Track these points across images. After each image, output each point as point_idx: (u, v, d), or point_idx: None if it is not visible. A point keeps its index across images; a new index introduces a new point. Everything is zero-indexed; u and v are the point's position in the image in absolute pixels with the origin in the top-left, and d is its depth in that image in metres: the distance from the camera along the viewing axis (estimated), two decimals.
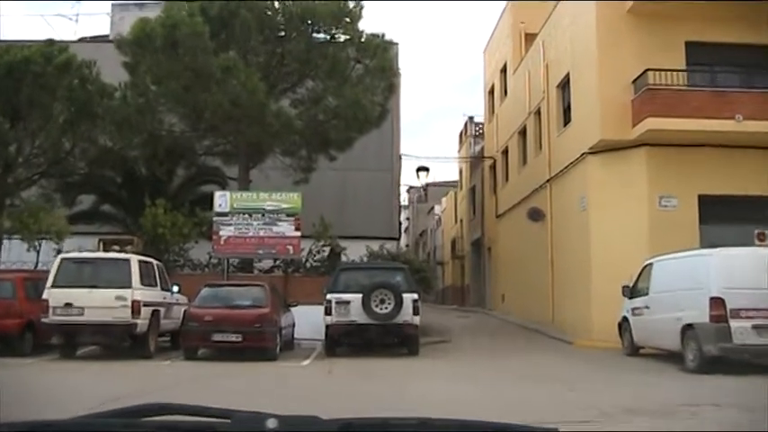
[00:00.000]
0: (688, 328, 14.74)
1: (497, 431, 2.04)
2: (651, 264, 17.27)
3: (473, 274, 45.00)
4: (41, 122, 24.85)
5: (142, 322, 16.88)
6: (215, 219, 23.06)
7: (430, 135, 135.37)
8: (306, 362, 17.32)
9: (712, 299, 14.21)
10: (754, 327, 13.96)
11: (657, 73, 20.39)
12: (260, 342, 17.15)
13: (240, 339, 16.95)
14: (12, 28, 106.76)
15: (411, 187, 59.82)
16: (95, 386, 12.55)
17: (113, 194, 28.48)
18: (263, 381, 14.16)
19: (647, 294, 17.10)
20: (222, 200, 23.25)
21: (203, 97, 22.87)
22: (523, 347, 21.25)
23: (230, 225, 22.89)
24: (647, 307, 17.01)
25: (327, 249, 25.27)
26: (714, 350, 14.11)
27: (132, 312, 16.59)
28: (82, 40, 35.27)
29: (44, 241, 23.55)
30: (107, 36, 34.77)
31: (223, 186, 26.43)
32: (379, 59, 24.85)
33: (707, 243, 17.12)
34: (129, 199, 27.46)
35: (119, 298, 16.59)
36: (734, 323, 14.01)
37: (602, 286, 20.69)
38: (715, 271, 14.59)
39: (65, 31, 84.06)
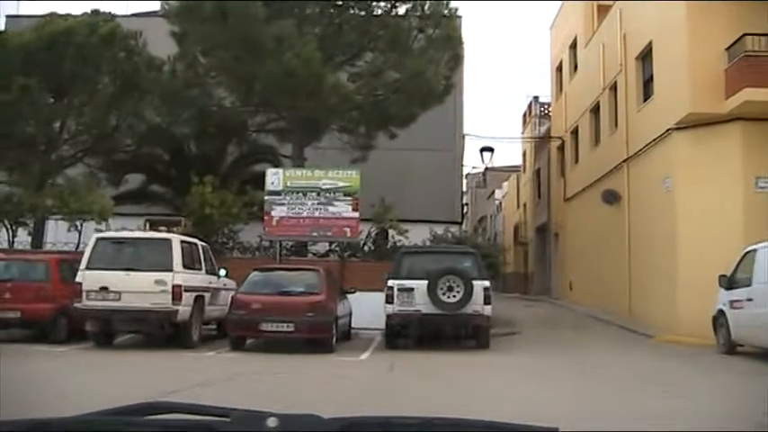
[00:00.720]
0: None
1: (499, 431, 1.92)
2: (754, 251, 15.19)
3: (537, 260, 43.28)
4: (86, 97, 23.78)
5: (184, 309, 15.30)
6: (267, 198, 21.54)
7: (489, 120, 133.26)
8: (364, 355, 15.70)
9: None
10: None
11: (756, 38, 18.34)
12: (314, 332, 15.60)
13: (292, 329, 15.34)
14: (62, 6, 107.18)
15: (470, 173, 58.05)
16: (124, 381, 11.28)
17: (161, 173, 27.26)
18: (315, 376, 12.66)
19: (749, 285, 15.02)
20: (275, 177, 21.74)
21: (255, 68, 21.34)
22: (600, 341, 19.58)
23: (283, 205, 21.39)
24: (749, 299, 14.95)
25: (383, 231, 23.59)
26: None
27: (173, 298, 15.03)
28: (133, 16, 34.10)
29: (88, 221, 22.32)
30: (157, 12, 33.50)
31: (276, 165, 25.01)
32: (444, 28, 23.07)
33: None
34: (177, 178, 26.11)
35: (158, 282, 15.03)
36: None
37: (689, 275, 18.91)
38: None
39: (116, 8, 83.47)
